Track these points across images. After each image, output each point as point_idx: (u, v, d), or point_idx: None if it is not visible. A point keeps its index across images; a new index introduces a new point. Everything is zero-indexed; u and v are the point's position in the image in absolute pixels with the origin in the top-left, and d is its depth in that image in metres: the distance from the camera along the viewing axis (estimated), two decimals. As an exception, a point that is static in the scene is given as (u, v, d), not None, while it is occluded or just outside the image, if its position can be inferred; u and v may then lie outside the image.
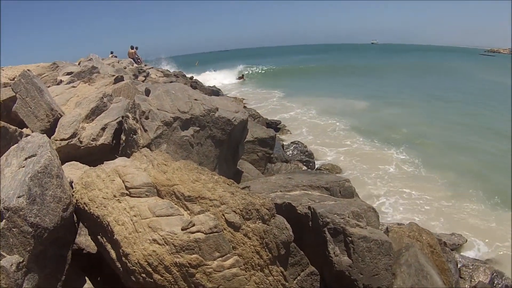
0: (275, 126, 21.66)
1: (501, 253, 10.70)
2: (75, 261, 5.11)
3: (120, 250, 4.31)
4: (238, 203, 4.61)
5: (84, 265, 5.50)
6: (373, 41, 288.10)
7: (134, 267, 4.16)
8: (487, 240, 11.17)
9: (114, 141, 7.98)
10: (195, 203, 4.64)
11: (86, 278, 5.16)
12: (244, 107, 26.32)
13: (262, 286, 4.56)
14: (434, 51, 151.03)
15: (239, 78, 57.64)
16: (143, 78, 20.68)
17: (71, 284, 4.84)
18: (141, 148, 6.49)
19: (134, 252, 4.19)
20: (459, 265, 9.15)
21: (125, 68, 20.05)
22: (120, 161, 5.57)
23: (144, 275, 4.15)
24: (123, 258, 4.28)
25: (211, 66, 68.40)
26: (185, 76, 42.01)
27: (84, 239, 5.91)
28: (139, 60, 29.49)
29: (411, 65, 60.27)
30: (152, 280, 4.14)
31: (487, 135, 22.69)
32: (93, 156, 7.54)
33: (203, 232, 4.22)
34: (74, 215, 5.01)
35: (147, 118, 7.17)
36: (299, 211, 5.83)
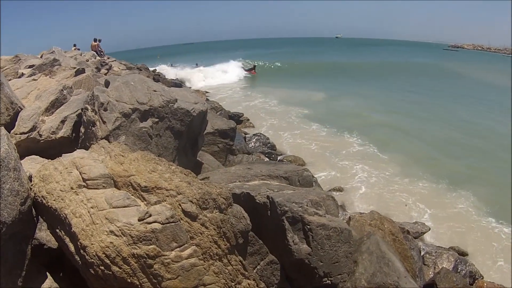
0: (237, 118, 21.63)
1: (441, 223, 11.70)
2: (36, 257, 5.03)
3: (78, 243, 4.25)
4: (195, 193, 4.61)
5: (45, 261, 5.40)
6: (337, 35, 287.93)
7: (92, 260, 4.12)
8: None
9: (74, 134, 7.85)
10: (152, 194, 4.61)
11: (48, 273, 5.07)
12: (207, 99, 26.44)
13: (221, 275, 4.58)
14: (398, 45, 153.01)
15: (249, 70, 51.64)
16: (106, 71, 20.42)
17: (32, 280, 4.76)
18: (99, 140, 6.41)
19: (92, 244, 4.14)
20: (422, 253, 9.31)
21: (87, 60, 19.70)
22: (78, 153, 5.49)
23: (102, 267, 4.11)
24: (81, 251, 4.22)
25: (170, 60, 66.36)
26: (148, 69, 41.60)
27: (45, 234, 5.79)
28: (102, 53, 29.03)
29: (375, 64, 60.45)
30: (110, 272, 4.11)
31: (438, 123, 24.16)
32: (53, 149, 7.37)
33: (159, 223, 4.21)
34: (33, 209, 4.92)
35: (105, 109, 7.08)
36: (257, 201, 5.85)
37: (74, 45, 30.59)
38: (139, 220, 4.21)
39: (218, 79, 45.69)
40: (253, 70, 50.93)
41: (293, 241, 5.41)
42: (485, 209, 12.70)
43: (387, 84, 40.91)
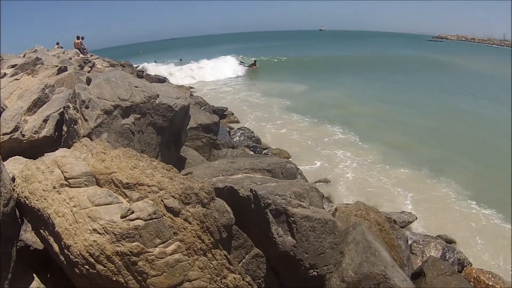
0: (221, 112, 21.60)
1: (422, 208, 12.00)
2: (22, 259, 5.00)
3: (62, 243, 4.24)
4: (177, 188, 4.61)
5: (32, 262, 5.37)
6: (321, 28, 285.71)
7: (76, 259, 4.11)
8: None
9: (56, 133, 7.77)
10: (134, 190, 4.61)
11: (34, 275, 5.04)
12: (191, 95, 26.42)
13: (206, 270, 4.59)
14: (383, 37, 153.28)
15: (250, 65, 49.63)
16: (89, 69, 20.30)
17: (18, 282, 4.73)
18: (81, 138, 6.36)
19: (76, 243, 4.13)
20: (410, 242, 9.35)
21: (70, 58, 19.47)
22: (60, 152, 5.46)
23: (87, 266, 4.11)
24: (66, 251, 4.21)
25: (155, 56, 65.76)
26: (132, 65, 41.13)
27: (30, 235, 5.75)
28: (85, 50, 28.79)
29: (361, 58, 60.24)
30: (95, 271, 4.11)
31: (417, 112, 24.55)
32: (36, 149, 7.28)
33: (142, 219, 4.21)
34: (17, 210, 4.90)
35: (87, 107, 7.02)
36: (241, 194, 5.86)
37: (57, 44, 30.29)
38: (121, 217, 4.21)
39: (209, 75, 44.09)
40: (254, 65, 49.56)
41: (277, 234, 5.43)
42: (466, 192, 13.04)
43: (370, 76, 41.02)
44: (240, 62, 50.99)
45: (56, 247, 4.45)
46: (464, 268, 8.71)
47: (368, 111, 24.37)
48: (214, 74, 44.22)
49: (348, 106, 25.75)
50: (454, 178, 14.02)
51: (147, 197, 4.54)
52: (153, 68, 46.52)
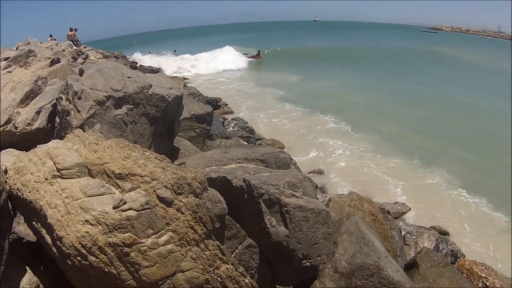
0: (215, 103, 21.58)
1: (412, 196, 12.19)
2: (15, 251, 4.97)
3: (54, 234, 4.21)
4: (169, 178, 4.60)
5: (25, 255, 5.36)
6: (315, 18, 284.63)
7: (69, 250, 4.08)
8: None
9: (49, 125, 7.73)
10: (126, 181, 4.60)
11: (27, 267, 5.03)
12: (185, 85, 26.25)
13: (199, 261, 4.58)
14: (378, 28, 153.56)
15: (254, 56, 48.54)
16: (82, 60, 20.23)
17: (11, 275, 4.73)
18: (74, 129, 6.33)
19: (68, 235, 4.10)
20: (403, 232, 9.38)
21: (63, 50, 19.42)
22: (52, 143, 5.43)
23: (79, 258, 4.08)
24: (58, 242, 4.19)
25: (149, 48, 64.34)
26: (125, 57, 40.96)
27: (23, 228, 5.72)
28: (78, 42, 28.71)
29: (356, 50, 59.97)
30: (87, 263, 4.08)
31: (410, 103, 24.85)
32: (29, 141, 7.22)
33: (134, 210, 4.19)
34: (9, 203, 4.89)
35: (79, 98, 6.98)
36: (234, 184, 5.86)
37: (50, 36, 30.19)
38: (114, 208, 4.19)
39: (207, 67, 42.45)
40: (258, 56, 48.53)
41: (270, 224, 5.43)
42: (457, 182, 13.24)
43: (364, 67, 41.04)
44: (243, 53, 50.04)
45: (48, 239, 4.43)
46: (457, 260, 8.77)
47: (361, 101, 24.57)
48: (213, 67, 42.75)
49: (341, 96, 25.95)
50: (445, 168, 14.19)
51: (140, 187, 4.52)
52: (147, 60, 46.01)
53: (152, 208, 4.32)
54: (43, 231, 4.51)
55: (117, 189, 4.59)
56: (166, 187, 4.54)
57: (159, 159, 4.98)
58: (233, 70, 41.77)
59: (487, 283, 7.57)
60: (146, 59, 46.02)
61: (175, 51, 54.77)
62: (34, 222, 4.67)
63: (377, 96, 26.17)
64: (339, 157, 15.30)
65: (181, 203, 4.54)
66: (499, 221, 11.02)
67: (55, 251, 4.34)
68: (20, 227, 5.66)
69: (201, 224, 4.62)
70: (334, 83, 30.53)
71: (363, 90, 27.97)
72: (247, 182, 5.73)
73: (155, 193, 4.49)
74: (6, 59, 11.09)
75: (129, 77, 7.73)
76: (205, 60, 44.76)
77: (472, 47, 73.88)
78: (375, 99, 25.25)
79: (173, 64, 43.59)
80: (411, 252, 8.87)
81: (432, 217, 11.09)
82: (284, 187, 5.65)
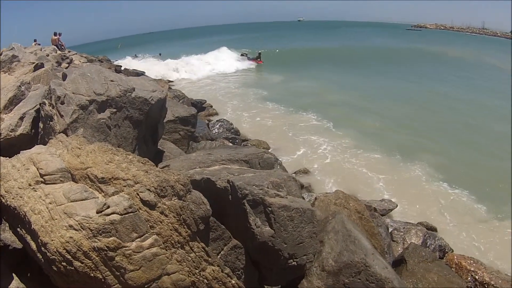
0: (200, 105, 21.65)
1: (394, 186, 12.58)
2: (1, 258, 4.97)
3: (39, 240, 4.20)
4: (152, 181, 4.61)
5: (12, 262, 5.33)
6: (299, 19, 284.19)
7: (53, 256, 4.08)
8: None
9: (33, 130, 7.67)
10: (109, 185, 4.59)
11: (14, 275, 5.00)
12: (170, 88, 26.34)
13: (185, 263, 4.60)
14: (362, 27, 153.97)
15: (254, 59, 46.35)
16: (67, 65, 20.11)
17: (-2, 283, 4.72)
18: (57, 134, 6.29)
19: (52, 240, 4.10)
20: (390, 229, 9.44)
21: (47, 55, 19.31)
22: (35, 149, 5.41)
23: (64, 263, 4.08)
24: (42, 248, 4.17)
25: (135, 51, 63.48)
26: (110, 60, 40.72)
27: (9, 235, 5.70)
28: (62, 47, 28.55)
29: (340, 49, 60.01)
30: (73, 268, 4.08)
31: (393, 100, 25.19)
32: (14, 147, 7.13)
33: (118, 213, 4.19)
34: (-6, 210, 4.87)
35: (62, 103, 6.92)
36: (218, 185, 5.83)
37: (35, 40, 29.97)
38: (97, 213, 4.19)
39: (204, 71, 40.78)
40: (259, 59, 45.98)
41: (255, 224, 5.44)
42: (438, 175, 13.56)
43: (347, 66, 41.14)
44: (242, 54, 48.84)
45: (33, 245, 4.42)
46: (446, 255, 8.81)
47: (344, 99, 24.94)
48: (206, 69, 41.56)
49: (324, 95, 26.32)
50: (427, 162, 14.55)
51: (123, 191, 4.52)
52: (133, 64, 45.39)
53: (136, 211, 4.32)
54: (28, 238, 4.49)
55: (100, 193, 4.59)
56: (149, 190, 4.54)
57: (142, 162, 4.98)
58: (233, 73, 41.18)
59: (476, 277, 7.57)
60: (134, 64, 45.33)
61: (160, 54, 54.20)
62: (19, 229, 4.65)
63: (360, 93, 26.56)
64: (322, 155, 15.52)
65: (164, 206, 4.55)
66: (479, 211, 11.38)
67: (40, 257, 4.32)
68: (6, 234, 5.64)
69: (185, 226, 4.63)
70: (317, 83, 30.88)
71: (345, 89, 28.37)
72: (231, 183, 5.72)
73: (138, 197, 4.49)
74: (-11, 65, 11.05)
75: (112, 81, 7.68)
76: (197, 64, 43.91)
77: (456, 43, 74.53)
78: (357, 96, 25.62)
79: (157, 68, 43.16)
80: (399, 249, 8.91)
81: (417, 211, 11.29)
82: (268, 187, 5.66)
